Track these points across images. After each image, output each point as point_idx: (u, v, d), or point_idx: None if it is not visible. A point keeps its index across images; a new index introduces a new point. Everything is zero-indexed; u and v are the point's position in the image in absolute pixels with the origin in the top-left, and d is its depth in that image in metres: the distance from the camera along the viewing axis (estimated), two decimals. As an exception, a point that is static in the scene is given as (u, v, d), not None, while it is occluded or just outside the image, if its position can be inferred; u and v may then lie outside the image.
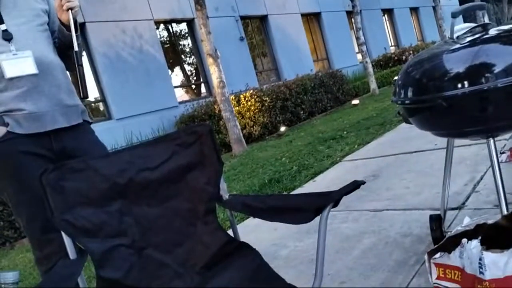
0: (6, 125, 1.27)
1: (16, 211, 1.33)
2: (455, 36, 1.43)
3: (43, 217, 1.19)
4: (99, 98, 7.45)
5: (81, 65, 1.34)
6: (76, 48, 1.34)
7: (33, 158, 1.29)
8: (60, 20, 1.39)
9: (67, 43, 1.40)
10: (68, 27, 1.36)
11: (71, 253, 1.05)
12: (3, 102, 1.28)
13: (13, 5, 1.34)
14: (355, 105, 8.18)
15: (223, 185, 1.25)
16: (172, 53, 9.11)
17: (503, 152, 2.53)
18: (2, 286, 0.68)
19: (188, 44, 9.46)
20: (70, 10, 1.34)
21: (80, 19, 6.88)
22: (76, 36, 1.35)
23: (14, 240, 4.07)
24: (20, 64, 1.28)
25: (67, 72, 1.46)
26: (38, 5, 1.41)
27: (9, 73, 1.26)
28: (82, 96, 1.33)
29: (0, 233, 3.99)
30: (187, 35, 9.40)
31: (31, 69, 1.29)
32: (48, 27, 1.43)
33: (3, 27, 1.29)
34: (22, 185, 1.28)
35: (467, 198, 2.10)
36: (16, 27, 1.31)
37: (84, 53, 7.34)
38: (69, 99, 1.40)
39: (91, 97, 7.44)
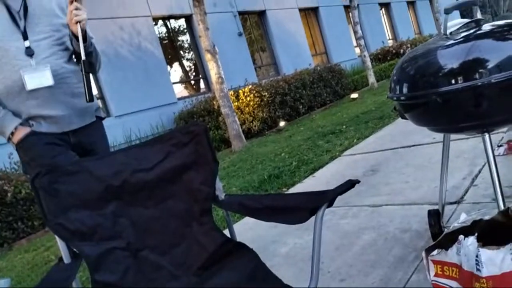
0: (31, 125, 1.49)
1: None
2: (448, 31, 1.42)
3: None
4: (98, 96, 7.42)
5: (88, 73, 1.45)
6: (83, 57, 1.45)
7: (53, 146, 1.49)
8: (71, 32, 1.50)
9: (79, 51, 1.53)
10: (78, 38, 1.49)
11: (66, 257, 1.04)
12: (25, 110, 1.47)
13: (37, 22, 1.50)
14: (354, 99, 8.16)
15: (218, 185, 1.25)
16: (171, 49, 9.07)
17: (501, 145, 2.52)
18: None
19: (187, 40, 9.42)
20: (78, 23, 1.44)
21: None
22: (85, 45, 1.47)
23: (12, 241, 4.06)
24: (39, 77, 1.45)
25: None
26: (59, 20, 1.54)
27: (30, 85, 1.43)
28: (87, 100, 1.45)
29: (-2, 235, 3.99)
30: (185, 31, 9.36)
31: (49, 81, 1.46)
32: (69, 37, 1.56)
33: (27, 43, 1.46)
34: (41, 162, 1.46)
35: (466, 192, 2.10)
36: (37, 42, 1.47)
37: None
38: (83, 101, 1.54)
39: (89, 95, 7.42)
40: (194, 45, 9.22)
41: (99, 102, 7.48)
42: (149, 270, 1.12)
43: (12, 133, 1.46)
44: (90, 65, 1.56)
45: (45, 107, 1.47)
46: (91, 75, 1.60)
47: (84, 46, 1.47)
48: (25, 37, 1.46)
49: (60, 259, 1.05)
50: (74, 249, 1.08)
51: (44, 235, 4.15)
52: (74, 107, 1.54)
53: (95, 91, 7.39)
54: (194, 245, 1.17)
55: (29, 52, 1.45)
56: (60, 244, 1.04)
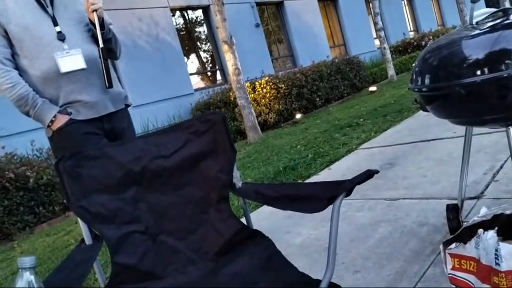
0: (70, 114, 1.53)
1: None
2: (474, 21, 1.38)
3: None
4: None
5: (106, 60, 1.50)
6: (101, 45, 1.51)
7: (90, 136, 1.54)
8: (90, 20, 1.54)
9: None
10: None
11: (87, 239, 1.07)
12: (62, 96, 1.52)
13: (64, 9, 1.55)
14: (372, 92, 8.04)
15: (236, 173, 1.26)
16: (188, 40, 9.10)
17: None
18: (20, 270, 0.70)
19: (204, 31, 9.43)
20: (95, 12, 1.48)
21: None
22: (103, 33, 1.52)
23: (34, 225, 4.20)
24: (72, 60, 1.50)
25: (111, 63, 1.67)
26: (83, 8, 1.57)
27: (64, 68, 1.48)
28: (107, 87, 1.51)
29: (20, 218, 4.12)
30: (202, 22, 9.36)
31: (81, 64, 1.51)
32: None
33: (58, 29, 1.51)
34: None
35: (486, 187, 2.05)
36: (67, 28, 1.53)
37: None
38: (116, 87, 1.64)
39: (108, 85, 7.54)
40: (211, 36, 9.22)
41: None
42: (167, 254, 1.14)
43: (52, 121, 1.50)
44: (109, 51, 1.61)
45: (82, 92, 1.52)
46: (110, 61, 1.64)
47: (102, 33, 1.51)
48: (55, 23, 1.51)
49: (82, 240, 1.09)
50: (96, 232, 1.11)
51: (64, 219, 4.28)
52: (107, 91, 1.59)
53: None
54: (211, 231, 1.19)
55: (61, 37, 1.50)
56: (82, 226, 1.08)
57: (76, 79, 1.51)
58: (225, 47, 5.91)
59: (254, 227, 1.24)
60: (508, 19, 1.30)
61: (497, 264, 0.94)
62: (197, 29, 9.43)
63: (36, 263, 2.73)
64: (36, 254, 3.09)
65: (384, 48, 9.04)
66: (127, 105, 1.75)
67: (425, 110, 1.57)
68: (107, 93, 1.59)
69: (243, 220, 1.27)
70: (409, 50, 11.83)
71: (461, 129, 2.91)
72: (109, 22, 1.60)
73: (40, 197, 4.30)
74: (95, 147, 1.22)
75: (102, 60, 1.50)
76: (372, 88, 8.16)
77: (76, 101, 1.53)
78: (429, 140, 3.24)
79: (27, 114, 1.52)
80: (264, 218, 2.49)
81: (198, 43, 9.42)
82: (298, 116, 6.99)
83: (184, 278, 1.12)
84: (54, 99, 1.52)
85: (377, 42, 11.42)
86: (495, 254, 0.95)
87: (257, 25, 9.82)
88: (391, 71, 9.17)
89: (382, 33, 9.13)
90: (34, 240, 3.72)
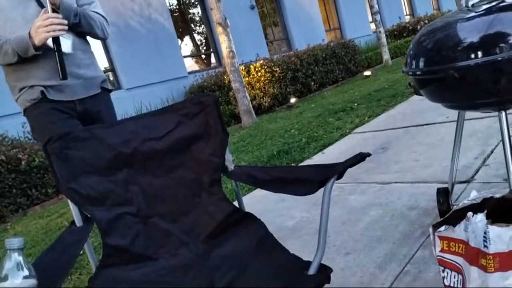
0: (41, 92, 1.51)
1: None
2: (470, 4, 1.37)
3: None
4: (108, 68, 7.42)
5: (60, 51, 1.44)
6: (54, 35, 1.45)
7: (61, 113, 1.53)
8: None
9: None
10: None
11: (78, 221, 1.07)
12: (34, 76, 1.50)
13: None
14: (367, 76, 8.01)
15: (228, 156, 1.25)
16: (181, 22, 8.95)
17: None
18: (8, 251, 0.70)
19: (198, 13, 9.26)
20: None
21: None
22: (69, 19, 1.46)
23: (26, 207, 4.19)
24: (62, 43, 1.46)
25: (90, 49, 1.67)
26: None
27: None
28: (61, 78, 1.45)
29: (13, 200, 4.10)
30: (196, 3, 9.19)
31: (68, 49, 1.51)
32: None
33: (32, 12, 1.46)
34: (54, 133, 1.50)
35: (476, 171, 2.08)
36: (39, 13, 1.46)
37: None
38: (89, 72, 1.61)
39: (100, 67, 7.42)
40: (206, 18, 9.07)
41: (110, 75, 7.48)
42: (159, 236, 1.14)
43: (31, 38, 1.38)
44: (82, 33, 1.58)
45: (52, 78, 1.49)
46: (88, 43, 1.64)
47: (69, 20, 1.46)
48: (41, 5, 1.47)
49: (72, 222, 1.08)
50: (86, 213, 1.10)
51: (57, 202, 4.27)
52: (80, 77, 1.56)
53: (105, 64, 7.40)
54: (203, 214, 1.19)
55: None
56: (73, 208, 1.07)
57: (47, 63, 1.48)
58: (219, 29, 5.82)
59: (247, 210, 1.25)
60: (503, 1, 1.29)
61: (485, 246, 0.96)
62: (191, 11, 9.26)
63: (30, 245, 2.73)
64: (29, 236, 3.09)
65: (380, 32, 8.97)
66: (108, 90, 1.71)
67: (419, 94, 1.57)
68: (79, 79, 1.56)
69: (236, 203, 1.27)
70: (404, 35, 11.76)
71: (453, 114, 2.91)
72: (75, 7, 1.53)
73: (33, 179, 4.27)
74: (83, 128, 1.20)
75: (55, 51, 1.42)
76: (367, 73, 8.13)
77: (45, 85, 1.51)
78: (422, 125, 3.25)
79: (11, 56, 1.44)
80: (257, 202, 2.50)
81: (192, 25, 9.26)
82: (293, 100, 6.96)
83: (176, 260, 1.13)
84: (23, 82, 1.50)
85: (372, 26, 11.32)
86: (484, 237, 0.96)
87: (252, 7, 9.66)
88: (386, 56, 9.12)
89: (378, 17, 9.05)
90: (27, 222, 3.72)
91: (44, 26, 1.36)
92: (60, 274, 0.82)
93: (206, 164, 1.21)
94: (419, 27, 11.36)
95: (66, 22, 1.42)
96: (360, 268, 1.50)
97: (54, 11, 1.42)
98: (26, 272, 0.71)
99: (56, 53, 1.42)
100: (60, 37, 1.44)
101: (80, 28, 1.55)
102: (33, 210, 4.17)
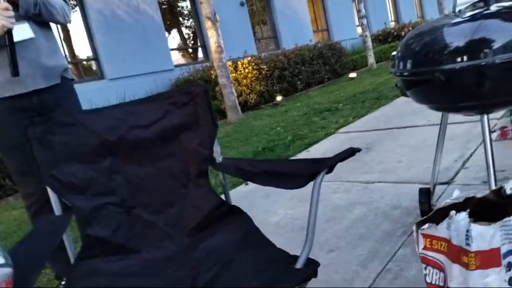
0: None
1: (4, 157, 1.55)
2: (457, 10, 1.40)
3: (19, 161, 1.46)
4: (92, 57, 7.24)
5: (12, 46, 1.35)
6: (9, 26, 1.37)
7: (16, 112, 1.44)
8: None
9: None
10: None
11: (57, 210, 1.03)
12: None
13: None
14: (352, 78, 8.10)
15: (216, 148, 1.23)
16: (170, 15, 8.82)
17: (494, 131, 2.54)
18: None
19: (187, 6, 9.15)
20: None
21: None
22: (27, 9, 1.40)
23: (-1, 197, 4.06)
24: (20, 29, 1.39)
25: (53, 36, 1.59)
26: None
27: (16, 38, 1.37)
28: (12, 75, 1.36)
29: (-15, 192, 3.97)
30: (185, -4, 9.09)
31: (30, 34, 1.43)
32: None
33: None
34: (5, 132, 1.47)
35: (456, 173, 2.12)
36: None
37: (77, 8, 7.08)
38: (50, 61, 1.52)
39: (83, 55, 7.25)
40: (195, 12, 8.97)
41: (93, 64, 7.32)
42: (142, 227, 1.12)
43: None
44: (43, 23, 1.50)
45: (7, 66, 1.38)
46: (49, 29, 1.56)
47: (29, 12, 1.39)
48: None
49: (51, 211, 1.04)
50: (66, 202, 1.07)
51: (33, 193, 4.14)
52: (40, 66, 1.47)
53: (88, 52, 7.22)
54: (189, 206, 1.17)
55: None
56: (52, 196, 1.03)
57: (4, 53, 1.37)
58: (208, 24, 5.77)
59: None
60: (488, 9, 1.32)
61: (467, 244, 0.97)
62: (180, 4, 9.14)
63: (1, 237, 2.63)
64: (1, 228, 2.99)
65: (366, 36, 9.07)
66: (70, 79, 1.63)
67: (405, 95, 1.59)
68: (40, 68, 1.47)
69: (223, 196, 1.26)
70: (389, 40, 11.97)
71: (435, 118, 2.97)
72: None
73: (6, 169, 4.13)
74: (66, 112, 1.15)
75: (7, 46, 1.33)
76: (352, 75, 8.22)
77: (1, 75, 1.41)
78: (404, 127, 3.30)
79: None
80: (243, 197, 2.49)
81: (181, 18, 9.15)
82: (279, 98, 6.97)
83: (159, 252, 1.10)
84: None
85: (359, 29, 11.44)
86: (466, 235, 0.98)
87: (242, 4, 9.62)
88: (371, 59, 9.24)
89: (364, 21, 9.14)
90: (0, 213, 3.60)
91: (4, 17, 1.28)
92: (38, 263, 0.79)
93: (194, 155, 1.20)
94: (403, 33, 11.59)
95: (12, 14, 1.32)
96: (343, 265, 1.51)
97: (13, 3, 1.34)
98: (2, 260, 0.68)
99: (8, 48, 1.33)
100: (15, 26, 1.33)
101: (40, 17, 1.46)
102: (6, 201, 4.03)
